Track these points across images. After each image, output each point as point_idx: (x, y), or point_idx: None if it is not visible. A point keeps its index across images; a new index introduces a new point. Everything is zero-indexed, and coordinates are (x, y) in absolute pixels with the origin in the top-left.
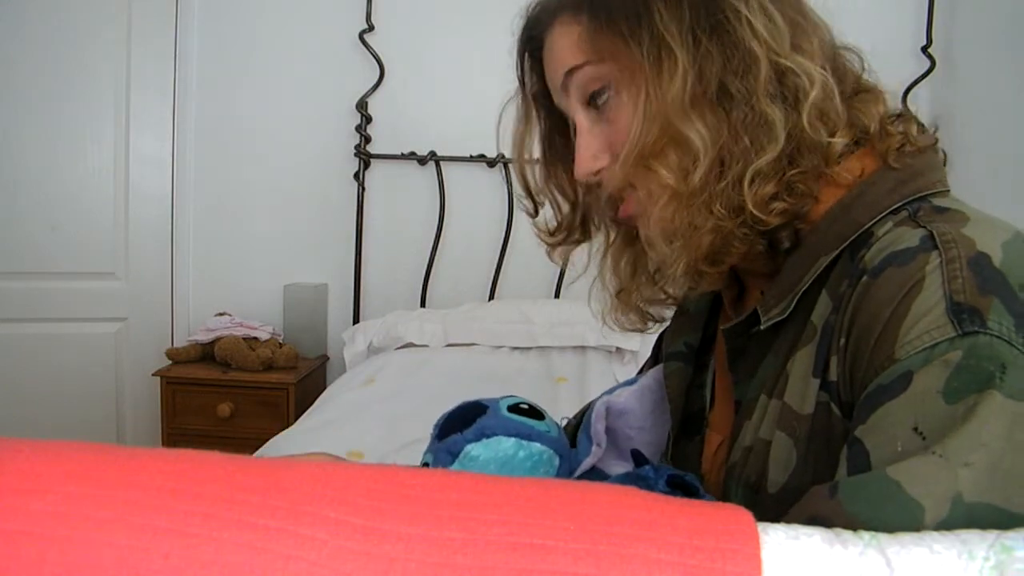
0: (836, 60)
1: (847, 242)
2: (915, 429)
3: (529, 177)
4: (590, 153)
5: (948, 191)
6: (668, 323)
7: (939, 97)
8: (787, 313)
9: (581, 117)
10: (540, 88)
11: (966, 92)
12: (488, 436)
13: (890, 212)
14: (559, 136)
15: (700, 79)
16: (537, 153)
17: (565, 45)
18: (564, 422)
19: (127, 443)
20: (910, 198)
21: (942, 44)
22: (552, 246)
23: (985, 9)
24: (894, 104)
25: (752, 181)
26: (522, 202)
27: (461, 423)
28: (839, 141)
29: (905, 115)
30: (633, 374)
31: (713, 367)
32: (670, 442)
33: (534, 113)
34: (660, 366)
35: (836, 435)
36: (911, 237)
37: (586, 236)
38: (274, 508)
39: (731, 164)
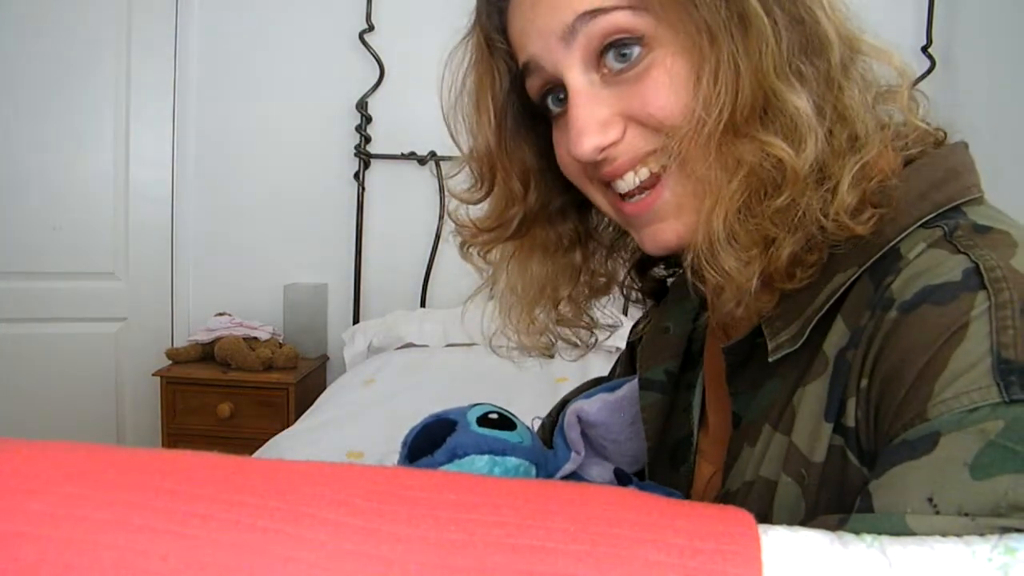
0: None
1: (871, 261)
2: (929, 500)
3: (483, 150)
4: (598, 121)
5: (983, 195)
6: (641, 316)
7: (939, 97)
8: (800, 343)
9: (576, 75)
10: (500, 25)
11: (966, 92)
12: (460, 456)
13: (920, 226)
14: (522, 102)
15: (780, 53)
16: (478, 119)
17: None
18: (537, 423)
19: (127, 443)
20: (943, 208)
21: (942, 44)
22: (482, 244)
23: (985, 9)
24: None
25: (853, 181)
26: (481, 186)
27: (429, 444)
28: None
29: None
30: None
31: (701, 385)
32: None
33: (495, 65)
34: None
35: (851, 485)
36: (951, 268)
37: (521, 232)
38: (273, 510)
39: (832, 153)
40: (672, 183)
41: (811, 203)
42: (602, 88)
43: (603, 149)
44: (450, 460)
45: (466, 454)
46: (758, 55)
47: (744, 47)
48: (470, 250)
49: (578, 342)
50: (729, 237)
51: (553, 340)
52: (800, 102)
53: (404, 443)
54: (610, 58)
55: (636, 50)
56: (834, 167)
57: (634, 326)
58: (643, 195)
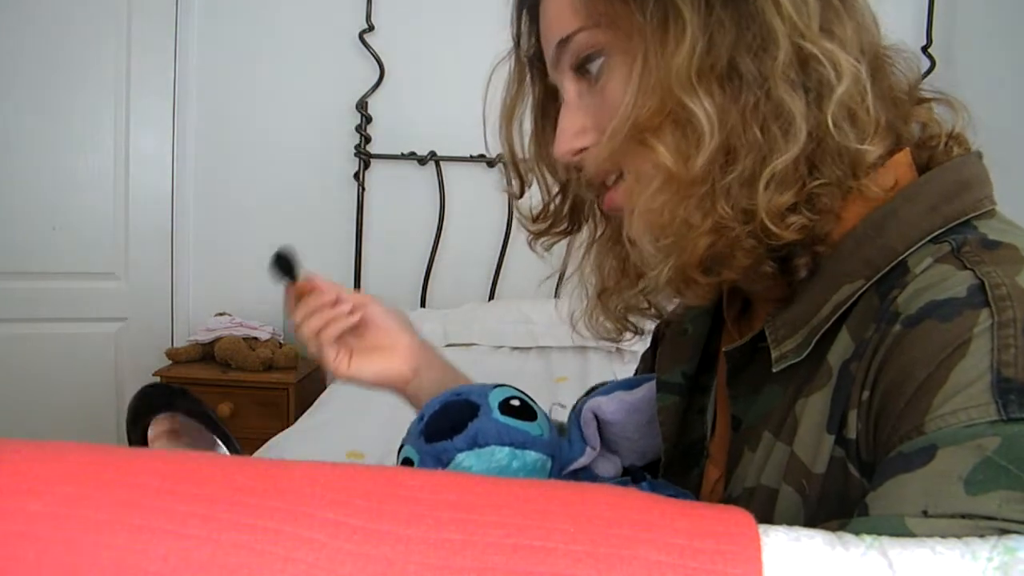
0: (877, 57)
1: (878, 274)
2: (924, 512)
3: (518, 151)
4: (573, 129)
5: (995, 207)
6: (652, 331)
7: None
8: (804, 354)
9: (570, 87)
10: (537, 51)
11: (966, 92)
12: (481, 445)
13: (929, 240)
14: (554, 107)
15: (709, 51)
16: (528, 124)
17: (559, 6)
18: (558, 410)
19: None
20: (954, 222)
21: (942, 44)
22: (535, 235)
23: (985, 9)
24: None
25: (767, 184)
26: (509, 182)
27: (450, 427)
28: (871, 149)
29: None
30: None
31: (715, 389)
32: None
33: (528, 77)
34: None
35: (852, 496)
36: (957, 284)
37: (574, 227)
38: (272, 509)
39: (742, 157)
40: (621, 184)
41: (723, 204)
42: (583, 96)
43: (577, 152)
44: (470, 447)
45: (487, 443)
46: (671, 58)
47: (661, 49)
48: (536, 244)
49: (645, 329)
50: (643, 230)
51: (618, 325)
52: (701, 112)
53: (420, 417)
54: (589, 67)
55: (599, 62)
56: (758, 168)
57: (657, 326)
58: (607, 191)
